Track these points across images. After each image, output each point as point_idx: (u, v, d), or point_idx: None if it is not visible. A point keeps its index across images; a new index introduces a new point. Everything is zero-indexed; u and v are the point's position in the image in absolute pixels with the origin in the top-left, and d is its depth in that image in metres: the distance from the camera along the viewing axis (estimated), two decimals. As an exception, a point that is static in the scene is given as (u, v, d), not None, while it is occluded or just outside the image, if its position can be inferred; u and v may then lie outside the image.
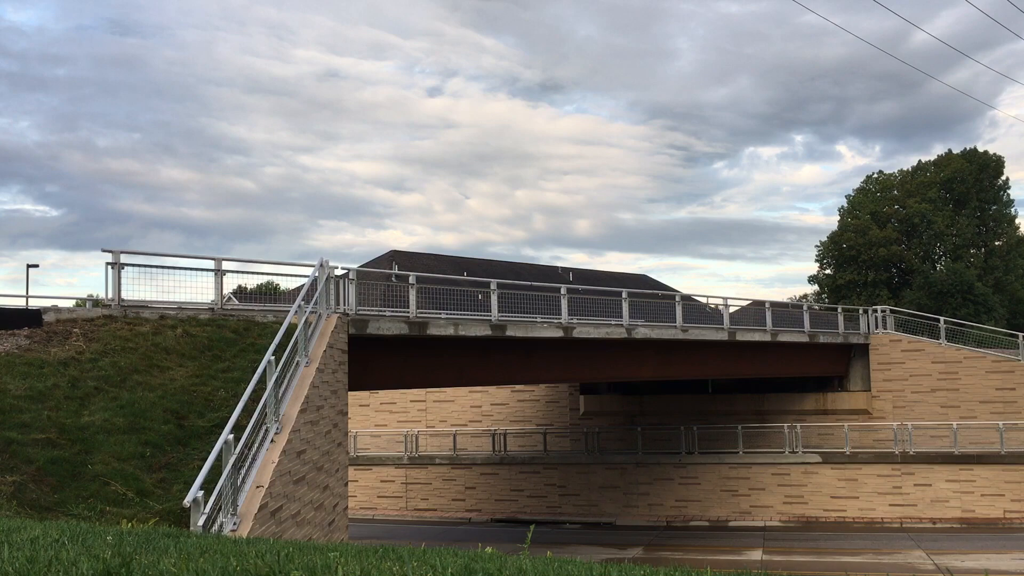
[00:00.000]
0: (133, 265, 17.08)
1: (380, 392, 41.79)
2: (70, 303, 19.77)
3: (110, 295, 17.03)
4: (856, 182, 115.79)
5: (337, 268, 18.90)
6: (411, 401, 42.86)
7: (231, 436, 11.38)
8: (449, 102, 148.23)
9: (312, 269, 17.97)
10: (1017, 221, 74.79)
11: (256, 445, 12.73)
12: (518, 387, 41.43)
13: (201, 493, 10.62)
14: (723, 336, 31.78)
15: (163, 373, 14.89)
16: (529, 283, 27.04)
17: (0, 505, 10.37)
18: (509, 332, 23.69)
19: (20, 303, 17.33)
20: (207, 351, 16.05)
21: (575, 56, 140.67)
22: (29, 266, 26.39)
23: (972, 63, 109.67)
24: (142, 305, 17.33)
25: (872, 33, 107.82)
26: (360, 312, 19.63)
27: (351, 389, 18.85)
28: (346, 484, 17.58)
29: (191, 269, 18.02)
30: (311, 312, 16.86)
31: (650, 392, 40.76)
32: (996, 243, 74.11)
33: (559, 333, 25.25)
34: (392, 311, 21.14)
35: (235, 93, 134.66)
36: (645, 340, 28.91)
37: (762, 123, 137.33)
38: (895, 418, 37.33)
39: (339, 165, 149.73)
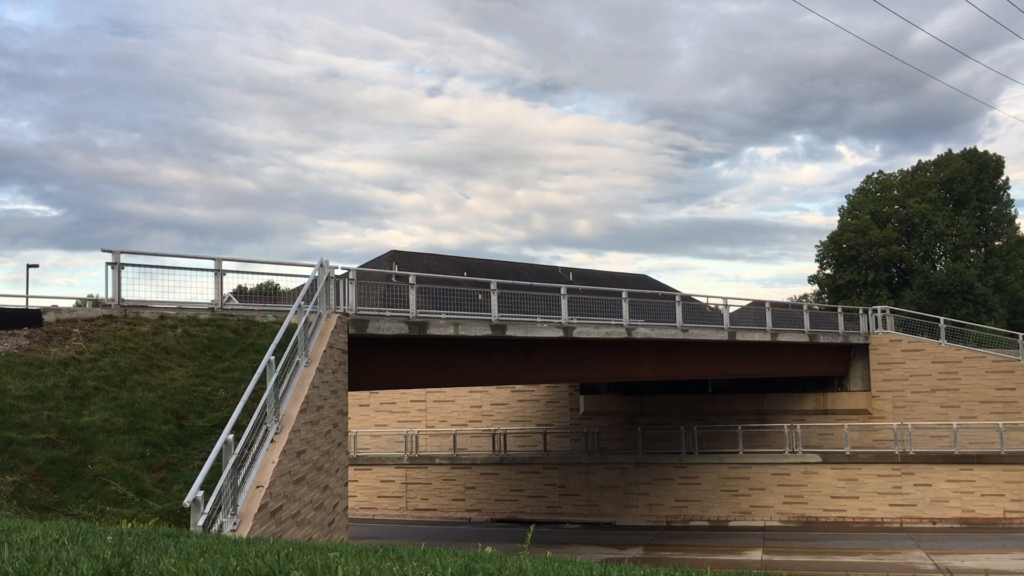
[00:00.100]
0: (133, 265, 17.10)
1: (380, 392, 41.80)
2: (70, 303, 19.79)
3: (110, 295, 17.04)
4: (856, 182, 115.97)
5: (337, 268, 18.91)
6: (411, 401, 42.87)
7: (231, 436, 11.38)
8: (449, 102, 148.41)
9: (312, 269, 17.97)
10: (1017, 221, 74.85)
11: (256, 445, 12.73)
12: (518, 387, 41.44)
13: (201, 493, 10.62)
14: (723, 336, 31.79)
15: (163, 373, 14.90)
16: (529, 283, 27.03)
17: (0, 505, 10.37)
18: (509, 332, 23.70)
19: (20, 303, 17.35)
20: (207, 351, 16.05)
21: (575, 56, 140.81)
22: (29, 266, 26.44)
23: (972, 63, 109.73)
24: (142, 305, 17.34)
25: (872, 33, 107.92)
26: (360, 312, 19.64)
27: (351, 389, 18.86)
28: (346, 484, 17.58)
29: (191, 269, 18.04)
30: (311, 312, 16.87)
31: (650, 392, 40.77)
32: (996, 243, 74.12)
33: (559, 333, 25.25)
34: (392, 311, 21.14)
35: (235, 93, 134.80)
36: (645, 340, 28.92)
37: (762, 123, 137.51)
38: (895, 418, 37.33)
39: (339, 165, 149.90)
